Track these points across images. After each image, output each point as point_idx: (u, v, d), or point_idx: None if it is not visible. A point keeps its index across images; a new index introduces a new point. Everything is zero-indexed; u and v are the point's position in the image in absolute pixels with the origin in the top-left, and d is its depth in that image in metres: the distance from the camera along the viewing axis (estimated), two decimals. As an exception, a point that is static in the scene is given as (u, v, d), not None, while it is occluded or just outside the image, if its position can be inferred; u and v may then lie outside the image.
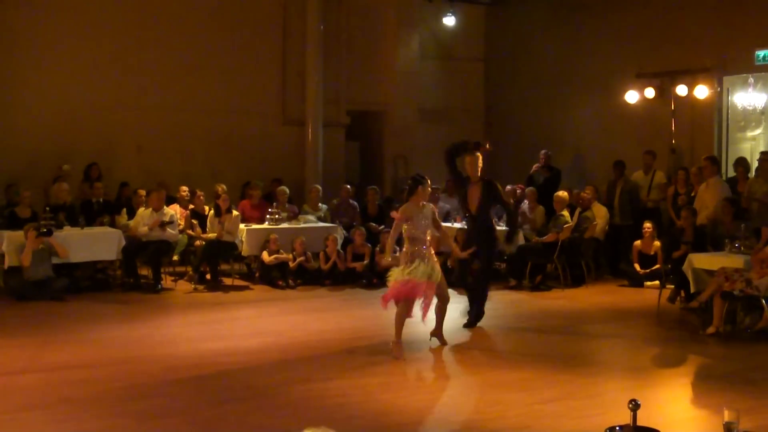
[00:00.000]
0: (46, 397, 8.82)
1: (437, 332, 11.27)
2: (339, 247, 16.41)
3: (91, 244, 15.46)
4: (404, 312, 10.65)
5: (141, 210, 16.03)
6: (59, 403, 8.59)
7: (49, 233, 14.55)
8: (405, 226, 10.72)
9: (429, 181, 11.08)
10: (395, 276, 10.68)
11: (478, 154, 12.58)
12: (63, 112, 18.69)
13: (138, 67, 19.47)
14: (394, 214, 11.02)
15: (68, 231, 15.36)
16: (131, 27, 19.43)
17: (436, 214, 11.27)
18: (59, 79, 18.72)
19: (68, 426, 7.88)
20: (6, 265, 14.70)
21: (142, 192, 16.88)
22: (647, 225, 16.17)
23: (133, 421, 8.05)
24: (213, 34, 20.18)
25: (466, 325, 12.46)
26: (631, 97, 18.92)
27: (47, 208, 15.43)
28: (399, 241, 11.37)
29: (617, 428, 4.85)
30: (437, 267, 10.87)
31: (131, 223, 16.06)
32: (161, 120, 19.63)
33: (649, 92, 18.62)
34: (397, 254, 11.48)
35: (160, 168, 19.04)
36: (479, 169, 12.60)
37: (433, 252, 10.92)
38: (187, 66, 19.92)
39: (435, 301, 10.98)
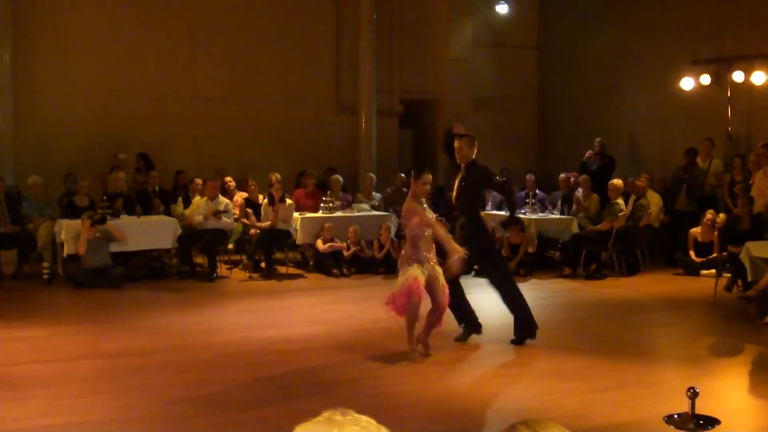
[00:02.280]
0: (104, 383, 8.94)
1: (423, 338, 10.21)
2: (393, 235, 16.41)
3: (148, 232, 15.62)
4: (414, 315, 9.98)
5: (196, 199, 16.16)
6: (117, 389, 8.70)
7: (103, 221, 14.72)
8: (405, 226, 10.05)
9: (429, 177, 10.14)
10: (399, 282, 9.87)
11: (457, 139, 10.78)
12: (119, 102, 18.87)
13: (193, 57, 19.62)
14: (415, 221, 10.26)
15: (125, 219, 15.52)
16: (186, 17, 19.58)
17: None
18: (115, 70, 18.90)
19: (126, 412, 7.97)
20: (65, 253, 14.89)
21: (199, 181, 17.03)
22: (709, 214, 15.89)
23: (190, 407, 8.13)
24: (267, 24, 20.26)
25: (513, 341, 10.84)
26: (687, 84, 18.71)
27: (104, 197, 15.61)
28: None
29: (675, 416, 4.82)
30: (437, 269, 9.99)
31: (187, 212, 16.19)
32: (216, 109, 19.75)
33: (705, 79, 18.41)
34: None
35: (215, 157, 19.18)
36: (462, 156, 10.71)
37: (432, 255, 10.04)
38: (242, 55, 20.03)
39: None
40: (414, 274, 9.74)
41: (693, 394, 4.76)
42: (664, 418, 4.86)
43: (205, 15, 19.76)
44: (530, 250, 16.49)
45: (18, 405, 8.07)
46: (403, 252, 10.13)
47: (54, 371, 9.37)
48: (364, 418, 2.55)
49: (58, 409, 7.96)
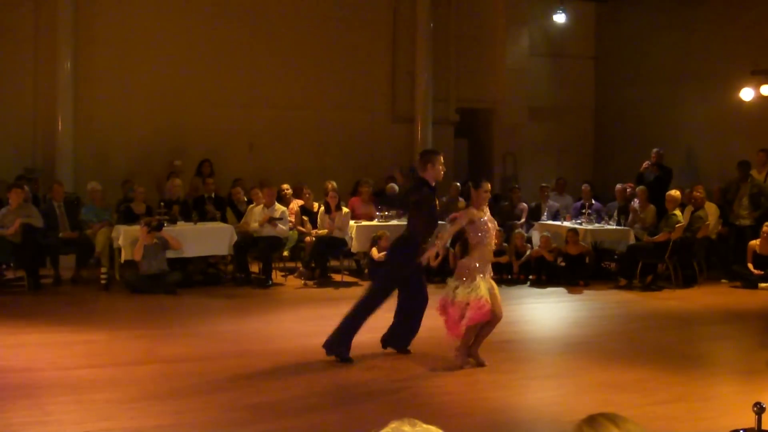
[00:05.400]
0: (161, 388, 8.98)
1: (475, 351, 10.10)
2: (449, 243, 16.33)
3: (204, 239, 15.71)
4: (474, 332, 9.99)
5: (252, 206, 16.22)
6: (174, 394, 8.73)
7: (159, 228, 14.81)
8: (470, 233, 9.96)
9: (488, 185, 10.08)
10: (463, 296, 9.78)
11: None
12: (177, 110, 19.05)
13: (250, 65, 19.73)
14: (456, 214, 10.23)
15: (181, 226, 15.62)
16: (243, 25, 19.71)
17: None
18: (173, 78, 19.09)
19: (183, 417, 8.00)
20: (122, 259, 15.01)
21: (240, 190, 17.21)
22: (767, 226, 15.75)
23: (247, 414, 8.15)
24: (324, 33, 20.34)
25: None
26: (746, 94, 18.52)
27: (161, 203, 15.73)
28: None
29: (741, 431, 4.76)
30: (493, 282, 10.06)
31: (243, 218, 16.26)
32: (272, 117, 19.87)
33: (765, 89, 18.20)
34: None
35: (271, 165, 19.26)
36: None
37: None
38: (298, 64, 20.11)
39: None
40: (482, 296, 9.67)
41: (760, 410, 4.69)
42: (728, 433, 4.80)
43: (264, 24, 19.87)
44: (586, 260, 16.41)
45: (77, 408, 8.14)
46: (466, 261, 9.99)
47: (112, 376, 9.43)
48: (433, 429, 2.54)
49: (117, 414, 8.01)
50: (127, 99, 18.79)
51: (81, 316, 12.89)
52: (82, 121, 18.46)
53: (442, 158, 10.34)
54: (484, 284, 9.76)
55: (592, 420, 2.70)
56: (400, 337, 10.70)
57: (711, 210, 16.95)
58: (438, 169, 10.21)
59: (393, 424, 2.55)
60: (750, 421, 4.80)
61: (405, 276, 10.50)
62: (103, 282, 15.04)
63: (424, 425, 2.54)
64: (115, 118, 18.74)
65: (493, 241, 10.22)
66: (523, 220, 17.82)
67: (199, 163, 18.25)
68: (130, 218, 15.64)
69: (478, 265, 9.81)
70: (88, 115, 18.53)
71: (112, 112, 18.73)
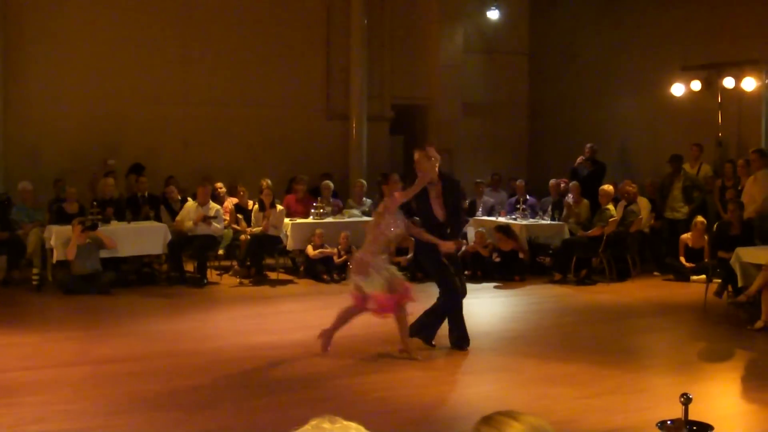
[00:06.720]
0: (94, 389, 8.92)
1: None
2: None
3: (138, 238, 15.58)
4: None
5: (188, 204, 16.11)
6: (108, 395, 8.66)
7: (94, 227, 14.67)
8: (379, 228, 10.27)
9: (397, 177, 10.87)
10: (378, 288, 9.98)
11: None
12: (109, 108, 18.81)
13: (184, 63, 19.58)
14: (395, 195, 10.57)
15: (115, 225, 15.48)
16: (177, 23, 19.54)
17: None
18: (105, 76, 18.84)
19: (117, 418, 7.94)
20: (54, 260, 14.84)
21: (173, 188, 17.08)
22: (700, 219, 15.97)
23: (181, 413, 8.11)
24: (257, 29, 20.22)
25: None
26: (677, 90, 18.71)
27: (94, 203, 15.58)
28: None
29: (669, 422, 4.81)
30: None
31: (177, 217, 16.15)
32: (207, 115, 19.71)
33: (696, 85, 18.40)
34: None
35: (206, 163, 19.14)
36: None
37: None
38: (232, 61, 19.99)
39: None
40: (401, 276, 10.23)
41: (686, 400, 4.75)
42: (657, 424, 4.85)
43: (197, 21, 19.71)
44: (521, 255, 16.46)
45: (9, 411, 8.04)
46: (366, 254, 10.18)
47: (45, 378, 9.33)
48: (353, 425, 2.55)
49: (50, 416, 7.94)
50: (58, 97, 18.53)
51: (13, 318, 12.73)
52: (12, 120, 18.20)
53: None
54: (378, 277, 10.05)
55: (488, 419, 2.72)
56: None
57: (643, 204, 17.14)
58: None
59: (313, 422, 2.55)
60: (679, 411, 4.86)
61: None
62: (35, 283, 14.85)
63: (344, 422, 2.55)
64: (45, 117, 18.46)
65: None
66: (458, 215, 17.84)
67: (132, 167, 18.07)
68: (62, 218, 15.45)
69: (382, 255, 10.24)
70: (18, 114, 18.25)
71: (43, 110, 18.44)
